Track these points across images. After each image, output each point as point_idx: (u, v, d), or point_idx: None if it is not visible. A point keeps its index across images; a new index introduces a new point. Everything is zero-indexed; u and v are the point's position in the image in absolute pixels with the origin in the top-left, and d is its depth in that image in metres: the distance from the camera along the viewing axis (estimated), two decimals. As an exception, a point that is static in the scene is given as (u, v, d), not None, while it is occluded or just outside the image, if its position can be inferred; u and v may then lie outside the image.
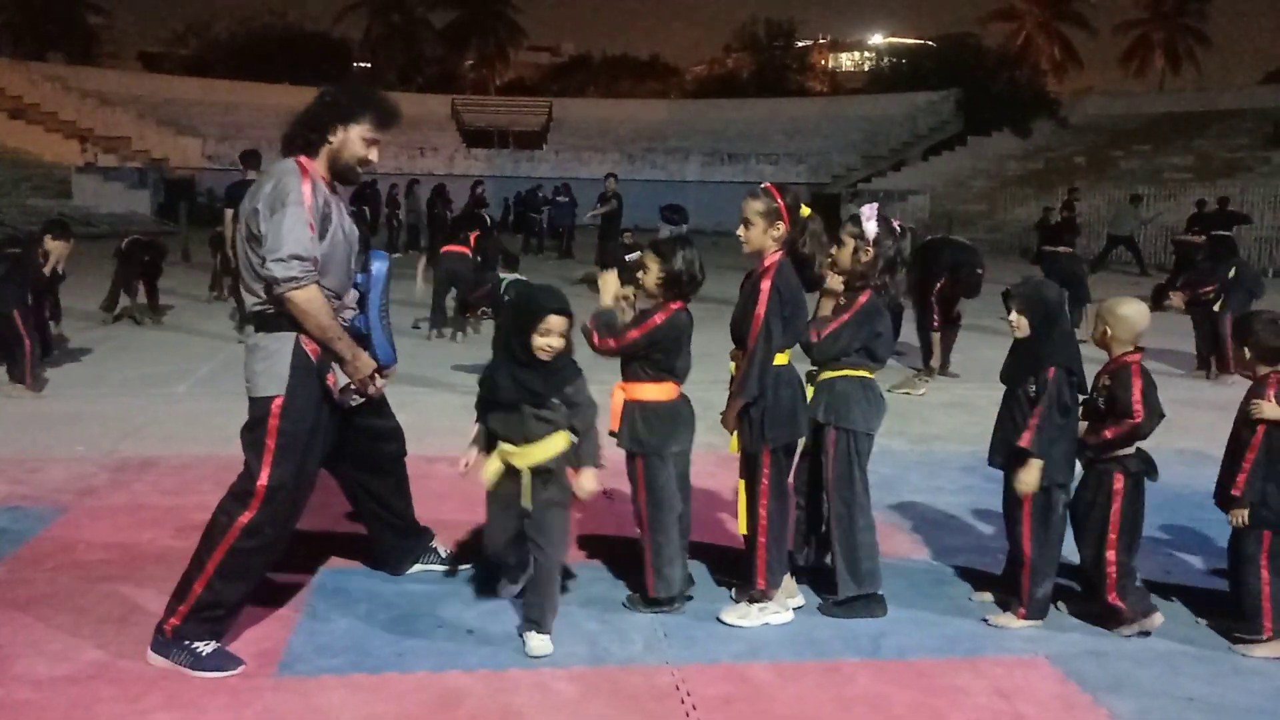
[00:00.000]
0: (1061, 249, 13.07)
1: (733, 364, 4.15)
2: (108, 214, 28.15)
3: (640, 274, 4.15)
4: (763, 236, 4.04)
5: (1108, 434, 4.08)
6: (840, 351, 4.18)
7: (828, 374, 4.23)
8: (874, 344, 4.21)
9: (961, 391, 8.96)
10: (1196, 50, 56.52)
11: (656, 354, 4.09)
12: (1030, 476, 4.02)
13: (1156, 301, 11.18)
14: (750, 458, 4.13)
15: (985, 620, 4.23)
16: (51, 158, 32.86)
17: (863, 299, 4.19)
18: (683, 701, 3.55)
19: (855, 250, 4.20)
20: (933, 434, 7.55)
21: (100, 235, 20.60)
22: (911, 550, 5.12)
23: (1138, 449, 4.15)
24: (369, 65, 56.07)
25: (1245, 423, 4.10)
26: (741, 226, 4.11)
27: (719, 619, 4.17)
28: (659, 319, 4.05)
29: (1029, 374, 4.08)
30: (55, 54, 47.33)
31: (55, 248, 8.73)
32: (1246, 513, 4.05)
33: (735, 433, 4.13)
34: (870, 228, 4.18)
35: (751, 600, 4.19)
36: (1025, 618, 4.16)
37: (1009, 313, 4.16)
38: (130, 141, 35.97)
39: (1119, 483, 4.11)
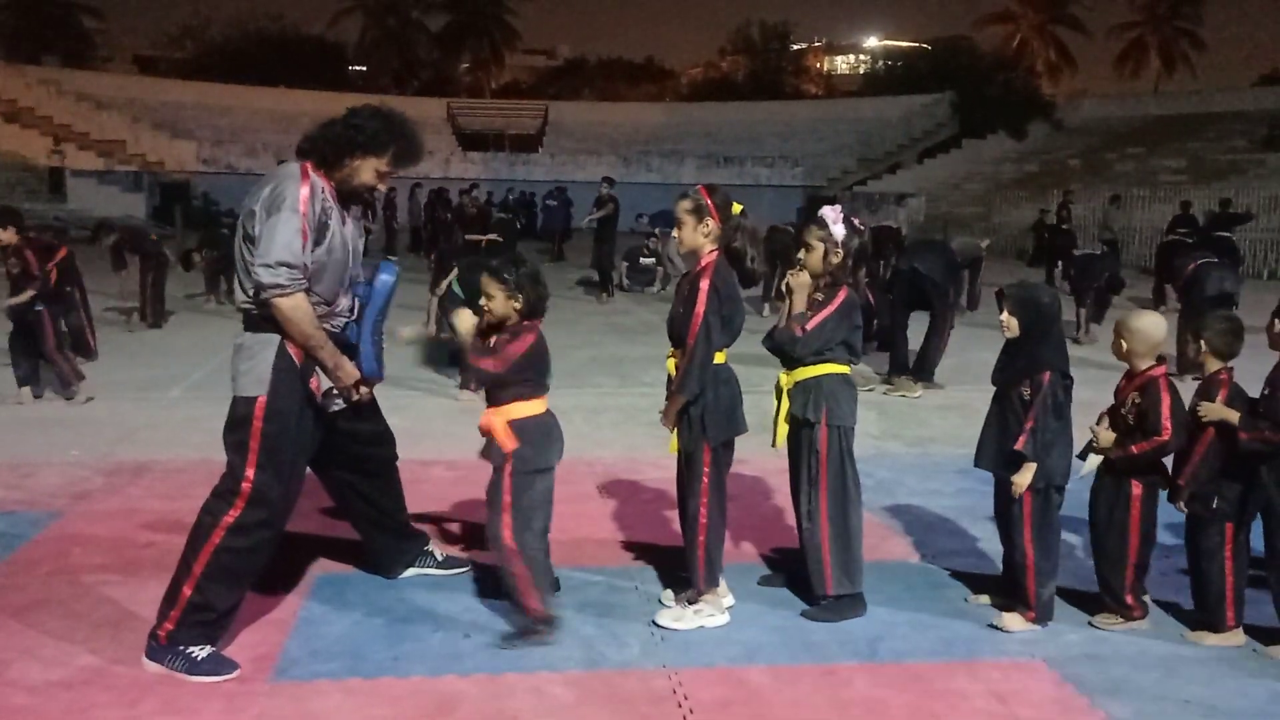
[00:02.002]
0: (1077, 251, 13.32)
1: (670, 363, 4.16)
2: (103, 217, 28.04)
3: (485, 301, 3.93)
4: (694, 234, 4.09)
5: (1135, 450, 4.10)
6: (824, 346, 4.19)
7: (809, 372, 4.22)
8: (852, 338, 4.26)
9: (957, 394, 8.97)
10: (1191, 53, 56.61)
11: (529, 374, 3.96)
12: (1025, 479, 4.05)
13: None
14: (689, 456, 4.15)
15: (991, 625, 4.23)
16: (47, 161, 32.78)
17: (842, 294, 4.24)
18: (679, 705, 3.54)
19: (826, 253, 4.24)
20: (928, 436, 7.55)
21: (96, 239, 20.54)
22: (907, 553, 5.12)
23: None
24: (364, 69, 56.05)
25: (1195, 420, 4.15)
26: (675, 228, 4.17)
27: (654, 622, 4.15)
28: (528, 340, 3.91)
29: (1023, 377, 4.09)
30: (50, 57, 47.24)
31: (5, 236, 8.39)
32: (1181, 500, 4.14)
33: (674, 433, 4.15)
34: (838, 230, 4.23)
35: (688, 602, 4.19)
36: (1034, 620, 4.17)
37: (1001, 312, 4.18)
38: (125, 145, 35.90)
39: (1137, 489, 4.17)
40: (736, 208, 4.13)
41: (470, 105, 48.55)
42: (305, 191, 3.66)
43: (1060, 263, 15.89)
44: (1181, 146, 33.86)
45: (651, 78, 64.42)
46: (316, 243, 3.69)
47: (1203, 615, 4.20)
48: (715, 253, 4.09)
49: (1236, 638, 4.11)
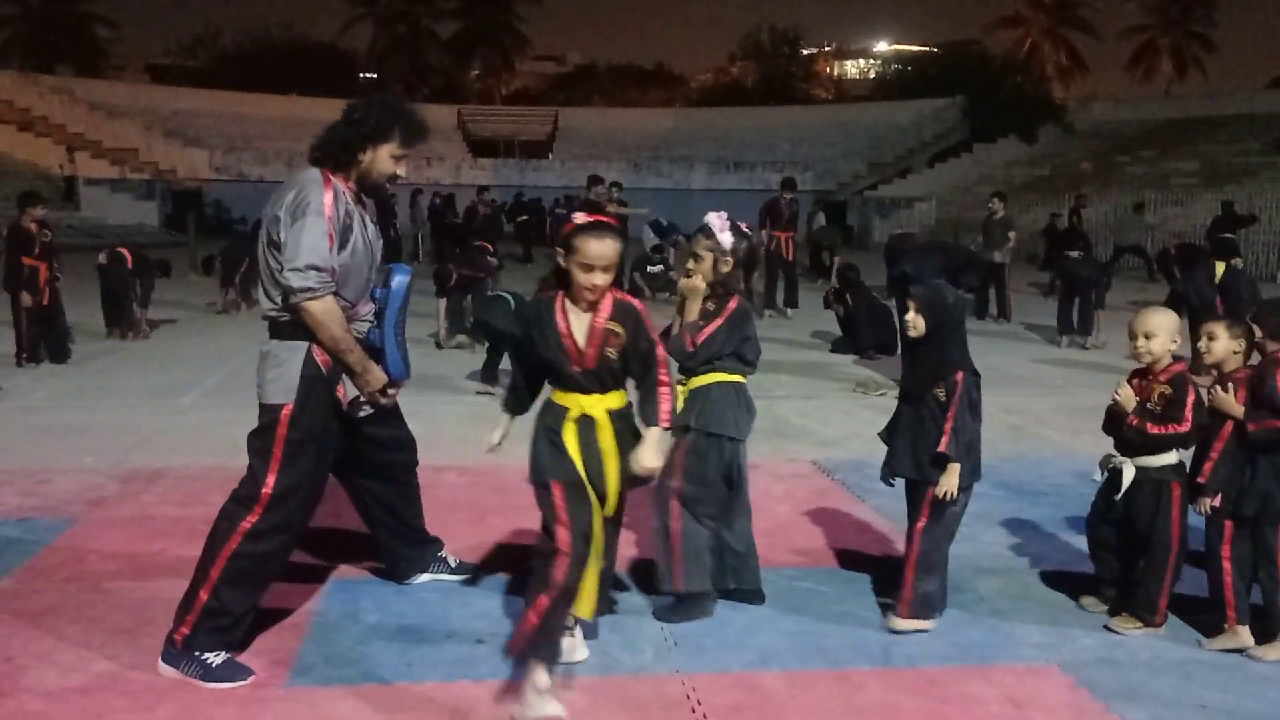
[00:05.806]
0: (1071, 253, 13.16)
1: None
2: (116, 225, 28.26)
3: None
4: None
5: (1152, 429, 4.09)
6: (714, 355, 4.17)
7: (700, 380, 4.21)
8: (743, 348, 4.21)
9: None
10: (1203, 55, 56.53)
11: None
12: (952, 481, 4.00)
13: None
14: None
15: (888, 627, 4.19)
16: (60, 170, 33.01)
17: (733, 304, 4.19)
18: (693, 710, 3.54)
19: (715, 262, 4.18)
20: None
21: (108, 246, 20.69)
22: (921, 558, 5.10)
23: (1178, 459, 4.19)
24: (375, 76, 56.26)
25: (1214, 413, 4.15)
26: None
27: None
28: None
29: (937, 379, 4.07)
30: (64, 66, 47.59)
31: None
32: (1209, 500, 4.10)
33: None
34: (725, 239, 4.17)
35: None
36: (905, 615, 4.15)
37: (905, 311, 4.15)
38: (138, 153, 36.12)
39: (1176, 491, 4.15)
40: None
41: (481, 112, 48.68)
42: (329, 196, 3.69)
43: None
44: (1193, 149, 33.77)
45: (661, 83, 64.49)
46: (341, 246, 3.71)
47: (1211, 616, 4.16)
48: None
49: (1237, 638, 4.07)
